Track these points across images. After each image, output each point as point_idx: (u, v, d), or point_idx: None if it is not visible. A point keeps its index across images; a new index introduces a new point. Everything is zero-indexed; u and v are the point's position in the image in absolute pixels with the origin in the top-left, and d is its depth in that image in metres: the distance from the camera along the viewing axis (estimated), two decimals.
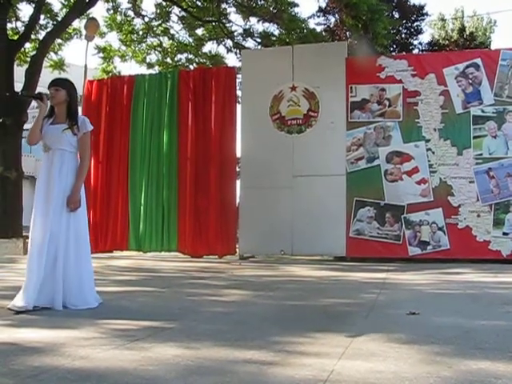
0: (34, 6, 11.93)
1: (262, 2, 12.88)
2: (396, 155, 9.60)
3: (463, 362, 2.54)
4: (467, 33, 24.29)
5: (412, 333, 3.20)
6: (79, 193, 4.34)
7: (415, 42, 20.90)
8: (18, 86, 10.92)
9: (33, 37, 12.58)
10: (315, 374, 2.31)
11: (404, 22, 19.99)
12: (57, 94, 4.36)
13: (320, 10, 17.79)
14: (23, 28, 12.32)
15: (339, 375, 2.31)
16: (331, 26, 17.98)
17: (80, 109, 12.06)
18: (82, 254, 4.30)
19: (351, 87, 9.88)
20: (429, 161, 9.43)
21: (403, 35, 20.23)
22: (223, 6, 13.92)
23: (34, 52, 12.28)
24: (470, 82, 9.45)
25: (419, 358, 2.61)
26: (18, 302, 3.98)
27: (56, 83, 4.46)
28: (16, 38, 11.91)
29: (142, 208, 10.85)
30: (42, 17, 12.55)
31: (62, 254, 4.12)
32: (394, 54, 14.57)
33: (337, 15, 16.47)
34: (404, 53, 16.61)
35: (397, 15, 19.41)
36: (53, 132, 4.32)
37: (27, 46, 12.78)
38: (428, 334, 3.20)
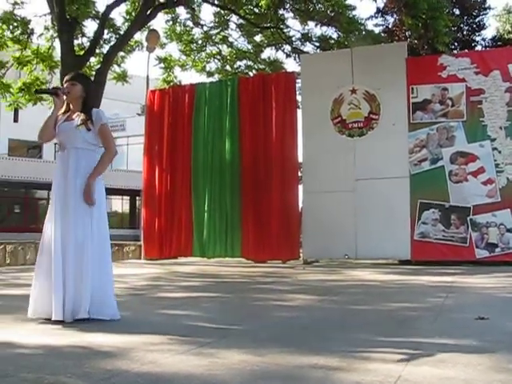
0: (98, 22, 12.32)
1: (320, 5, 12.84)
2: (460, 156, 9.38)
3: None
4: None
5: (481, 338, 3.12)
6: (94, 184, 3.91)
7: (478, 38, 20.33)
8: None
9: (97, 51, 12.98)
10: (381, 380, 2.29)
11: (465, 17, 19.49)
12: (72, 89, 4.03)
13: (378, 10, 17.60)
14: (88, 43, 12.73)
15: (406, 381, 2.28)
16: (390, 26, 17.75)
17: (143, 118, 12.43)
18: (105, 260, 3.97)
19: (412, 88, 9.73)
20: (495, 160, 9.16)
21: (465, 32, 19.72)
22: (281, 11, 13.96)
23: (99, 65, 12.67)
24: None
25: (490, 365, 2.54)
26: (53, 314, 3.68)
27: (72, 77, 4.14)
28: (82, 53, 12.32)
29: (205, 214, 11.00)
30: (106, 31, 12.94)
31: (87, 260, 3.79)
32: (455, 51, 14.24)
33: (395, 15, 16.24)
34: (466, 50, 16.22)
35: (457, 12, 18.95)
36: (66, 129, 3.98)
37: (92, 60, 13.20)
38: (498, 339, 3.11)
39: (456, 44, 18.34)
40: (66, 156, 3.96)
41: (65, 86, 4.07)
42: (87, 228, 3.84)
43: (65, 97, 4.03)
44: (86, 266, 3.78)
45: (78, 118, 4.01)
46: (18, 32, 12.96)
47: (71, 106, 4.07)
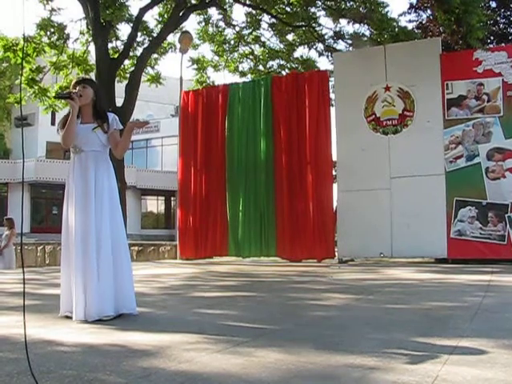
0: (131, 25, 12.47)
1: (351, 3, 12.75)
2: (497, 152, 9.23)
3: None
4: None
5: None
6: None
7: None
8: (119, 102, 11.43)
9: (131, 54, 13.14)
10: (418, 380, 2.28)
11: (502, 10, 19.09)
12: (84, 92, 4.04)
13: (411, 6, 17.38)
14: (122, 46, 12.90)
15: (444, 381, 2.26)
16: (423, 22, 17.51)
17: (177, 119, 12.53)
18: (123, 258, 4.01)
19: (447, 84, 9.61)
20: None
21: (501, 25, 19.30)
22: (312, 10, 13.91)
23: (133, 68, 12.83)
24: None
25: None
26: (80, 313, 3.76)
27: (83, 81, 4.16)
28: (116, 56, 12.49)
29: (240, 214, 11.05)
30: (139, 34, 13.09)
31: (107, 258, 3.86)
32: (491, 45, 13.97)
33: (428, 11, 16.02)
34: (503, 44, 15.90)
35: (494, 5, 18.57)
36: (83, 132, 4.02)
37: (126, 62, 13.37)
38: None
39: (492, 38, 17.98)
40: (84, 159, 4.00)
41: (76, 89, 4.06)
42: (108, 228, 3.91)
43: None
44: (110, 264, 3.86)
45: (94, 122, 4.07)
46: (55, 37, 13.21)
47: (82, 110, 4.07)
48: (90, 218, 3.88)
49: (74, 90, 4.06)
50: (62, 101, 11.64)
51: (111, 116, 4.15)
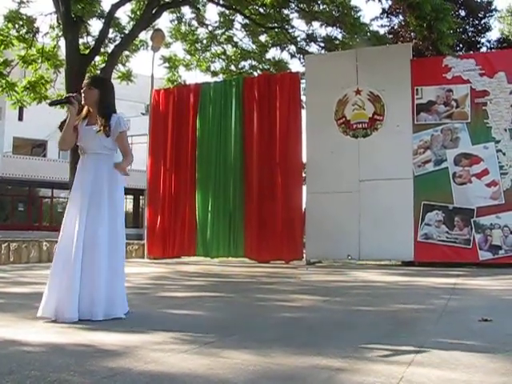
0: (103, 21, 12.33)
1: (324, 6, 12.83)
2: (464, 157, 9.38)
3: None
4: None
5: (485, 340, 3.12)
6: (125, 168, 4.04)
7: (483, 40, 20.25)
8: None
9: (102, 50, 12.98)
10: (384, 381, 2.30)
11: (471, 19, 19.44)
12: (88, 93, 4.06)
13: (383, 11, 17.60)
14: (93, 42, 12.74)
15: (409, 382, 2.29)
16: (395, 27, 17.74)
17: (147, 118, 12.44)
18: (117, 261, 3.96)
19: (417, 89, 9.73)
20: (499, 162, 9.16)
21: (470, 33, 19.66)
22: (285, 11, 13.95)
23: (104, 64, 12.68)
24: None
25: (493, 367, 2.54)
26: (64, 313, 3.70)
27: (89, 82, 4.14)
28: (87, 52, 12.33)
29: (209, 214, 11.02)
30: (111, 30, 12.94)
31: (99, 260, 3.82)
32: (460, 53, 14.21)
33: (400, 16, 16.24)
34: (471, 52, 16.18)
35: (463, 13, 18.91)
36: (87, 134, 4.03)
37: (97, 58, 13.21)
38: (502, 341, 3.11)
39: (461, 45, 18.30)
40: (85, 161, 4.05)
41: (82, 90, 4.09)
42: (105, 234, 3.87)
43: (83, 101, 4.07)
44: (100, 267, 3.81)
45: (97, 123, 4.02)
46: (24, 31, 12.98)
47: (90, 110, 4.10)
48: (82, 221, 3.84)
49: (71, 94, 4.11)
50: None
51: (115, 118, 4.05)
